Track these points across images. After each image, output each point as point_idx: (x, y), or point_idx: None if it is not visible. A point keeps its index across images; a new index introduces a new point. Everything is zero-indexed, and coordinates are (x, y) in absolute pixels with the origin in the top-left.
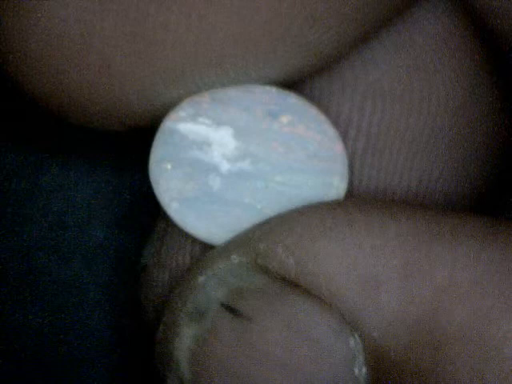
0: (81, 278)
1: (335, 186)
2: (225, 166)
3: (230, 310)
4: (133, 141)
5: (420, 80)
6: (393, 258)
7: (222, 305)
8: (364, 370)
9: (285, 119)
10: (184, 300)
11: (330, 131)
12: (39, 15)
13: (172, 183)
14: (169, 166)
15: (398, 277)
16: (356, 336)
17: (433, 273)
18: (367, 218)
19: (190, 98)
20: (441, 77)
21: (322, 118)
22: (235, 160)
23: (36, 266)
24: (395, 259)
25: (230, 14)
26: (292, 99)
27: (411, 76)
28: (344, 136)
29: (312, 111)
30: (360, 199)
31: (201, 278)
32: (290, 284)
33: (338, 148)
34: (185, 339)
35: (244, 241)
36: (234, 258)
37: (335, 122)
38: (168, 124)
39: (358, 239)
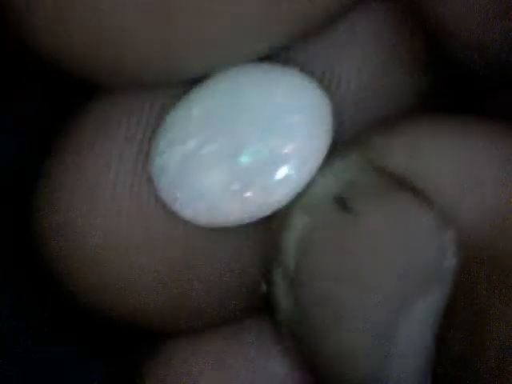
0: None
1: None
2: None
3: (341, 203)
4: None
5: None
6: (495, 157)
7: (334, 198)
8: (453, 260)
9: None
10: (300, 194)
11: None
12: None
13: None
14: None
15: (498, 173)
16: (451, 229)
17: None
18: (479, 126)
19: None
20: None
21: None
22: None
23: None
24: (497, 157)
25: None
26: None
27: None
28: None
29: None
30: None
31: (318, 174)
32: (398, 180)
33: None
34: (294, 231)
35: (362, 142)
36: (351, 156)
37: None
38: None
39: (470, 143)
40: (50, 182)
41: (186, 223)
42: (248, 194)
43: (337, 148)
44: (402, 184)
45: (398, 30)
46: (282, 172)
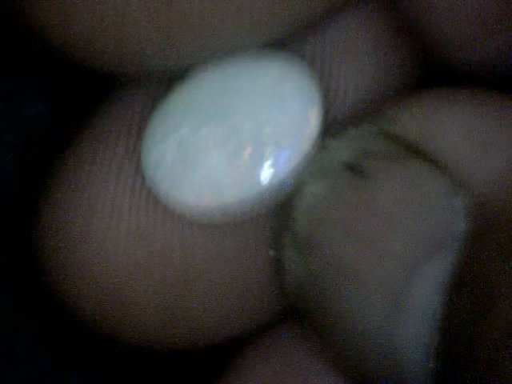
0: None
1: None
2: None
3: (353, 168)
4: None
5: None
6: (504, 122)
7: (346, 164)
8: (464, 225)
9: None
10: (311, 161)
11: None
12: None
13: None
14: None
15: (508, 137)
16: (463, 195)
17: None
18: (487, 96)
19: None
20: None
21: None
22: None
23: None
24: (506, 122)
25: None
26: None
27: None
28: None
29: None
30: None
31: (330, 141)
32: (411, 148)
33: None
34: (305, 198)
35: (373, 110)
36: (364, 124)
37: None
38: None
39: (479, 110)
40: (50, 197)
41: (184, 237)
42: (247, 170)
43: (352, 121)
44: (414, 150)
45: (394, 39)
46: (278, 146)
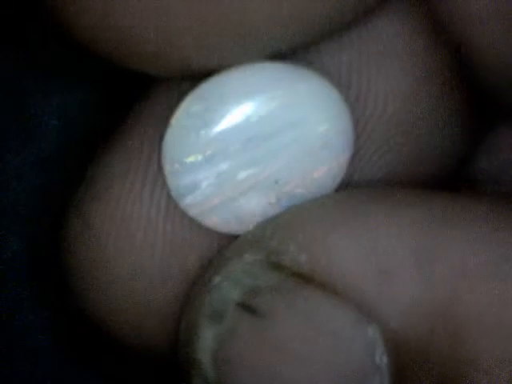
0: None
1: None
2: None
3: (247, 308)
4: None
5: None
6: (405, 246)
7: (239, 304)
8: (385, 358)
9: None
10: (201, 302)
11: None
12: None
13: None
14: None
15: (412, 264)
16: (374, 325)
17: (446, 258)
18: (378, 207)
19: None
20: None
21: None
22: None
23: None
24: (408, 247)
25: None
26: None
27: None
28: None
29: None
30: (368, 188)
31: (215, 279)
32: (304, 279)
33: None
34: (206, 340)
35: (256, 238)
36: (247, 257)
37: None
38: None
39: (370, 230)
40: (81, 216)
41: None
42: (282, 204)
43: (232, 247)
44: (309, 282)
45: (431, 42)
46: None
